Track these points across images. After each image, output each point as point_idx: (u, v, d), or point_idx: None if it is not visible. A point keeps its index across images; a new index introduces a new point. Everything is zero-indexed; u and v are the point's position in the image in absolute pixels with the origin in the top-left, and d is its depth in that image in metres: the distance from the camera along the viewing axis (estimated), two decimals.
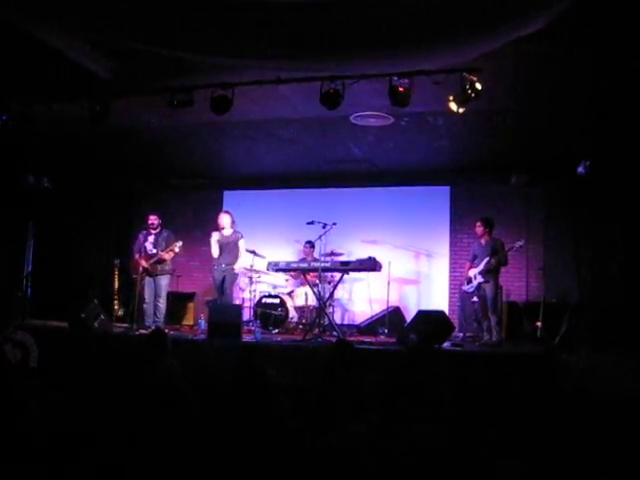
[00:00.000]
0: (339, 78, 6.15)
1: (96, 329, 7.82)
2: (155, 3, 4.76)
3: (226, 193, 11.22)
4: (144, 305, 8.48)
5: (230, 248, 8.65)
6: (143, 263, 8.41)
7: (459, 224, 10.14)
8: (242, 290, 10.02)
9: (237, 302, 9.64)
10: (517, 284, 9.63)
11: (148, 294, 8.49)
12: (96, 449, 2.98)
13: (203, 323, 8.63)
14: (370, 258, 8.27)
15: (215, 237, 8.66)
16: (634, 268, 7.66)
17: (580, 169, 7.93)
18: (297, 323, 9.35)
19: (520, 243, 7.93)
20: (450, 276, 10.12)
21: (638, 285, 7.54)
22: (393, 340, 7.86)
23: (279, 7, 4.63)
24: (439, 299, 9.99)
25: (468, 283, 8.10)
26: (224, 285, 8.58)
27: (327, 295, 8.87)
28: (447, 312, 8.62)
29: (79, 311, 7.82)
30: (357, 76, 6.11)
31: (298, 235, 10.23)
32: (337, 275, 8.78)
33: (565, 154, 8.26)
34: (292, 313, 9.30)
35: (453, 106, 6.16)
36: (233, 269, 8.60)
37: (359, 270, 8.58)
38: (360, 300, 10.14)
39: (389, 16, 4.72)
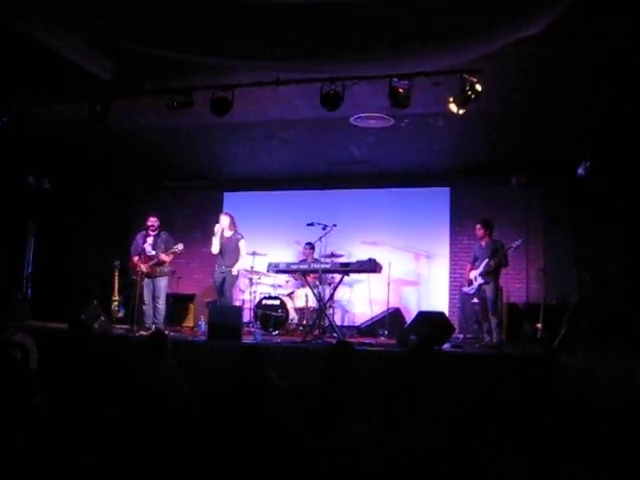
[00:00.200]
0: (339, 79, 6.15)
1: (96, 330, 7.81)
2: (155, 3, 4.76)
3: (226, 194, 11.22)
4: (143, 307, 8.46)
5: (231, 250, 8.64)
6: (142, 266, 8.38)
7: (459, 225, 10.14)
8: (242, 291, 10.02)
9: (237, 303, 9.63)
10: (517, 286, 9.61)
11: (147, 295, 8.46)
12: (96, 450, 2.98)
13: (203, 325, 8.61)
14: (370, 259, 8.27)
15: (218, 231, 8.62)
16: (634, 268, 7.66)
17: (580, 170, 7.92)
18: (297, 324, 9.34)
19: (517, 243, 7.91)
20: (450, 277, 10.11)
21: (638, 285, 7.54)
22: (393, 341, 7.85)
23: (279, 8, 4.63)
24: (439, 300, 9.98)
25: (469, 285, 8.09)
26: (224, 287, 8.58)
27: (327, 296, 8.86)
28: (447, 313, 8.62)
29: (79, 312, 7.81)
30: (357, 77, 6.12)
31: (298, 236, 10.23)
32: (337, 276, 8.77)
33: (565, 155, 8.26)
34: (292, 314, 9.29)
35: (453, 107, 6.16)
36: (232, 271, 8.59)
37: (359, 271, 8.58)
38: (360, 301, 10.13)
39: (389, 17, 4.72)
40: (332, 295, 8.97)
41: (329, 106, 6.30)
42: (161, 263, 8.47)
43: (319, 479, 2.60)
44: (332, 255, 9.34)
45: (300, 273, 9.03)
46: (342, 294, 9.97)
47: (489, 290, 7.76)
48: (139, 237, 8.71)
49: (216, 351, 7.09)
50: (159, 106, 6.75)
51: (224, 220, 8.69)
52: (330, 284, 9.16)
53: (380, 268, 8.35)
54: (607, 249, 8.08)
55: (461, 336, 8.53)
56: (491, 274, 7.79)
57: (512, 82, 6.29)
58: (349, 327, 9.79)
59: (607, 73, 5.95)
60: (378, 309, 9.60)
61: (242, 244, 8.74)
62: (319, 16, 4.73)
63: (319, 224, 8.72)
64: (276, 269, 8.86)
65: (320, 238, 8.69)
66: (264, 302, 9.27)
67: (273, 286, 9.85)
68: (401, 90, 6.09)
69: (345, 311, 10.30)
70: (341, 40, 5.10)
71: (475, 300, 8.15)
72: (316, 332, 8.18)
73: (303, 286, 9.36)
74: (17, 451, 2.78)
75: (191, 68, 6.05)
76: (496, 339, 7.64)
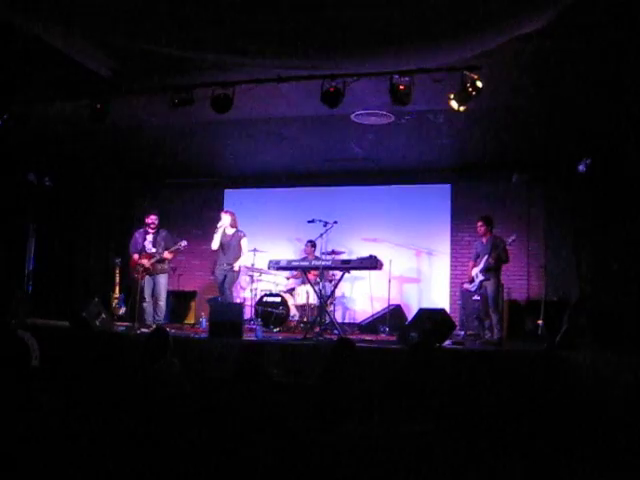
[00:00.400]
0: (340, 76, 6.14)
1: (97, 328, 7.82)
2: (155, 2, 4.75)
3: (227, 192, 11.23)
4: (144, 304, 8.48)
5: (232, 247, 8.65)
6: (145, 262, 8.40)
7: (460, 222, 10.14)
8: (243, 289, 10.03)
9: (238, 300, 9.64)
10: (518, 282, 9.63)
11: (148, 293, 8.49)
12: (97, 448, 2.98)
13: (204, 322, 8.63)
14: (371, 256, 8.27)
15: (220, 228, 8.62)
16: (634, 265, 7.65)
17: (581, 167, 7.93)
18: (298, 321, 9.35)
19: (512, 238, 7.90)
20: (451, 274, 10.12)
21: (638, 282, 7.54)
22: (394, 338, 7.86)
23: (279, 5, 4.63)
24: (440, 297, 9.99)
25: (471, 282, 8.09)
26: (224, 285, 8.59)
27: (328, 293, 8.88)
28: (448, 310, 8.62)
29: (80, 310, 7.82)
30: (358, 74, 6.11)
31: (299, 233, 10.23)
32: (338, 273, 8.78)
33: (566, 152, 8.26)
34: (293, 311, 9.31)
35: (454, 104, 6.15)
36: (233, 268, 8.60)
37: (360, 268, 8.57)
38: (361, 298, 10.14)
39: (389, 14, 4.71)
40: (333, 292, 8.98)
41: (330, 103, 6.28)
42: (163, 260, 8.49)
43: (319, 478, 2.61)
44: (333, 252, 9.35)
45: (301, 270, 9.04)
46: (342, 290, 9.99)
47: (490, 287, 7.77)
48: (138, 235, 8.72)
49: (217, 348, 7.09)
50: (160, 103, 6.75)
51: (225, 218, 8.71)
52: (331, 281, 9.17)
53: (381, 265, 8.35)
54: (608, 246, 8.08)
55: (462, 333, 8.55)
56: (492, 271, 7.79)
57: (513, 79, 6.27)
58: (350, 324, 9.81)
59: (607, 72, 5.94)
60: (379, 306, 9.61)
61: (244, 242, 8.75)
62: (320, 13, 4.72)
63: (320, 221, 8.73)
64: (277, 266, 8.85)
65: (321, 235, 8.70)
66: (265, 299, 9.29)
67: (274, 283, 9.86)
68: (402, 87, 6.07)
69: (346, 308, 10.32)
70: (341, 37, 5.10)
71: (477, 297, 8.16)
72: (317, 329, 8.18)
73: (304, 283, 9.37)
74: (20, 448, 2.79)
75: (192, 65, 6.04)
76: (497, 336, 7.64)
